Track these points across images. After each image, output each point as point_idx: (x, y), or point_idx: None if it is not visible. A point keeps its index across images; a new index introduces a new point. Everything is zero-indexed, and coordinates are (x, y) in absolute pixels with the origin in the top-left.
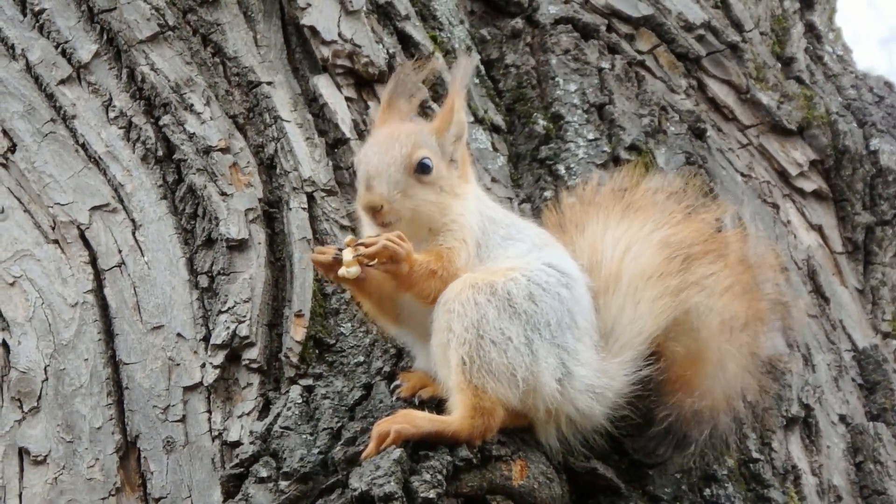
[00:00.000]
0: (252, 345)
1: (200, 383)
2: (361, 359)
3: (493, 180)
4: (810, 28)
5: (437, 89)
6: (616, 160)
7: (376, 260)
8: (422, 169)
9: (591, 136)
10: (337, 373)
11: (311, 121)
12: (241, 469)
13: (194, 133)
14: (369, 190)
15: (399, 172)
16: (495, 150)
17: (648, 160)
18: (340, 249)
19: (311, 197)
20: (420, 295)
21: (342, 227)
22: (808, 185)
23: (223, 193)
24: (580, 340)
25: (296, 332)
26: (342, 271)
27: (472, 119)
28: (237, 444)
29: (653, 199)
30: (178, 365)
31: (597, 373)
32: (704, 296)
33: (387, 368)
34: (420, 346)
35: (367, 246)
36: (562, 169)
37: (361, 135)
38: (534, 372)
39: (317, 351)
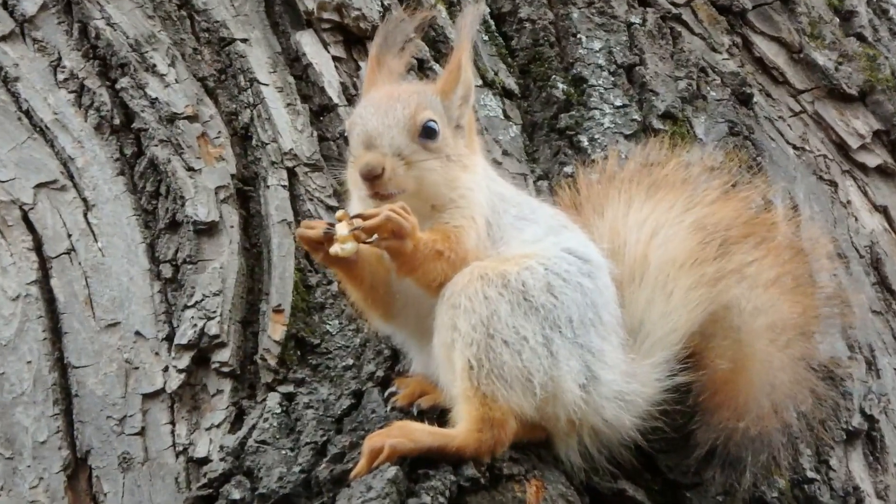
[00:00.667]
0: (223, 345)
1: (162, 390)
2: (351, 362)
3: (505, 153)
4: None
5: (440, 47)
6: (647, 130)
7: (376, 235)
8: (427, 133)
9: (618, 103)
10: (322, 378)
11: (292, 84)
12: (210, 490)
13: (157, 98)
14: (370, 149)
15: (402, 136)
16: (507, 118)
17: (685, 130)
18: (332, 225)
19: (292, 173)
20: (424, 280)
21: (329, 208)
22: (872, 160)
23: (190, 169)
24: (606, 339)
25: (274, 331)
26: (335, 248)
27: (479, 82)
28: (205, 460)
29: (685, 175)
30: (136, 368)
31: (626, 377)
32: (745, 287)
33: (380, 373)
34: (419, 346)
35: (366, 218)
36: (584, 140)
37: (351, 100)
38: (553, 377)
39: (299, 352)
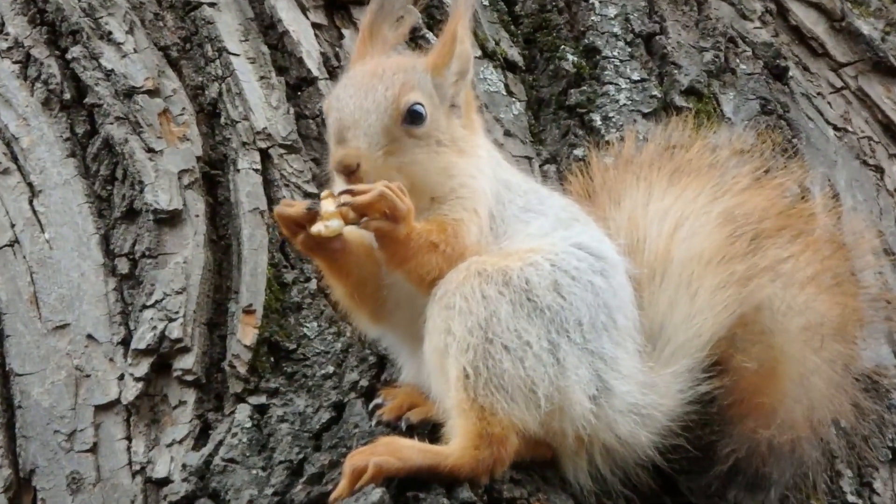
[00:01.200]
0: (186, 350)
1: (117, 401)
2: (331, 370)
3: (507, 134)
4: None
5: (434, 13)
6: (668, 108)
7: (366, 216)
8: (412, 118)
9: (635, 77)
10: (298, 388)
11: (266, 54)
12: None
13: (112, 70)
14: (342, 144)
15: (382, 122)
16: (510, 94)
17: (711, 108)
18: (312, 205)
19: (265, 155)
20: (415, 274)
21: (307, 194)
22: None
23: (150, 150)
24: (620, 345)
25: (244, 334)
26: (317, 227)
27: (479, 53)
28: (165, 481)
29: (712, 160)
30: (87, 376)
31: (642, 388)
32: (780, 286)
33: (364, 382)
34: (410, 352)
35: (356, 194)
36: (597, 119)
37: (333, 73)
38: (560, 387)
39: (272, 359)
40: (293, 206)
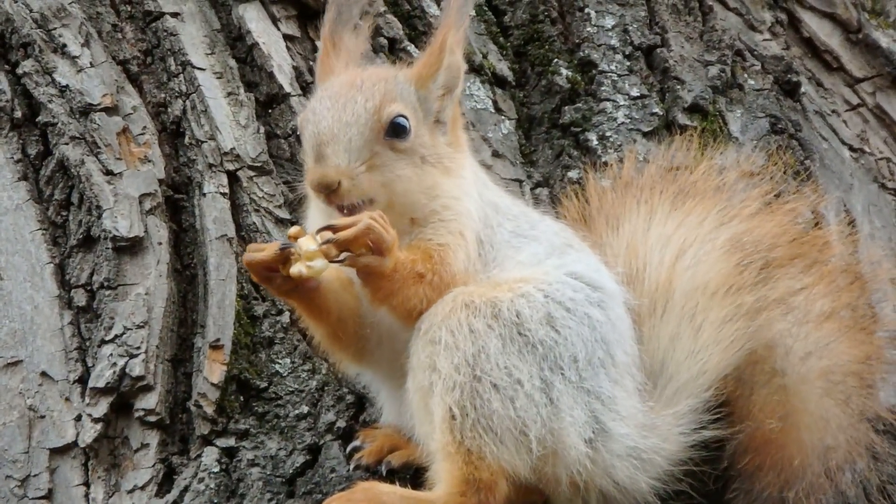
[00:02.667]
0: (149, 389)
1: (74, 443)
2: (305, 410)
3: (496, 154)
4: None
5: (415, 24)
6: (671, 126)
7: (349, 251)
8: (395, 131)
9: (635, 93)
10: (270, 429)
11: (234, 69)
12: None
13: (67, 86)
14: (320, 162)
15: (363, 136)
16: (499, 111)
17: (717, 127)
18: (285, 245)
19: (234, 177)
20: (401, 309)
21: (278, 221)
22: None
23: (108, 172)
24: (618, 383)
25: (211, 371)
26: (297, 268)
27: (465, 68)
28: None
29: (718, 183)
30: (42, 417)
31: (642, 430)
32: (792, 321)
33: (341, 423)
34: (391, 390)
35: (339, 229)
36: (593, 139)
37: (306, 89)
38: (553, 430)
39: (242, 398)
40: (263, 249)
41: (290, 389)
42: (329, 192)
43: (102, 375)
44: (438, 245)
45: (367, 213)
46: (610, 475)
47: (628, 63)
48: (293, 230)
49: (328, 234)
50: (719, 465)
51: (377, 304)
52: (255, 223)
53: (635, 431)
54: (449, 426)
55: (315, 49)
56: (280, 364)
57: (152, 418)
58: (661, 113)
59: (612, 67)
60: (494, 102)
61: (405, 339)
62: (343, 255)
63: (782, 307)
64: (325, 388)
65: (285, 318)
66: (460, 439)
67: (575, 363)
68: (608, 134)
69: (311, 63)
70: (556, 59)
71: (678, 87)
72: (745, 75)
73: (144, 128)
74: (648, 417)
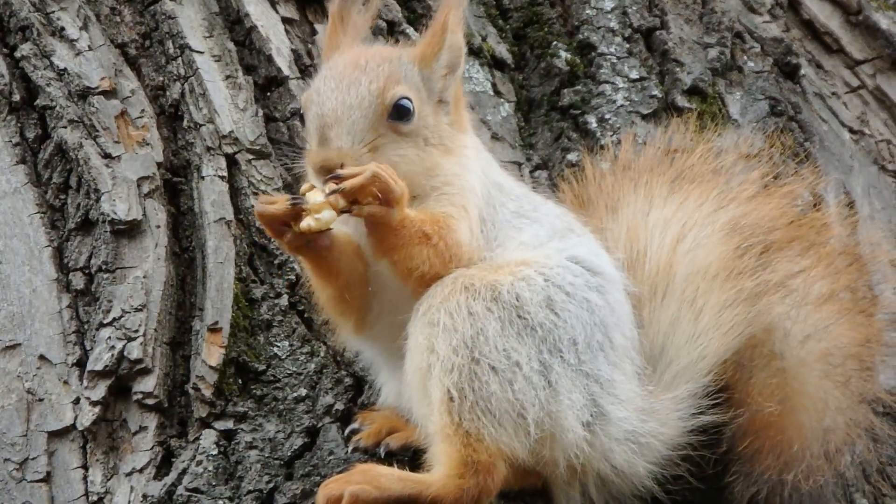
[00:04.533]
0: (147, 372)
1: (73, 427)
2: (304, 392)
3: (495, 137)
4: None
5: (414, 6)
6: (670, 109)
7: (357, 202)
8: (399, 113)
9: (634, 75)
10: (269, 412)
11: (233, 52)
12: None
13: (66, 69)
14: (324, 144)
15: (367, 118)
16: (497, 94)
17: (716, 109)
18: (296, 199)
19: (232, 160)
20: (403, 266)
21: None
22: None
23: (106, 155)
24: (617, 367)
25: (210, 354)
26: (307, 222)
27: (465, 49)
28: None
29: (717, 166)
30: (40, 400)
31: (641, 414)
32: (791, 304)
33: (339, 406)
34: (389, 371)
35: (345, 179)
36: (592, 121)
37: (305, 72)
38: (551, 413)
39: (240, 381)
40: (275, 202)
41: (289, 372)
42: (332, 175)
43: (101, 358)
44: (443, 213)
45: (375, 164)
46: (608, 459)
47: (627, 45)
48: (305, 186)
49: (334, 185)
50: (718, 449)
51: (380, 255)
52: (253, 206)
53: (634, 415)
54: (447, 408)
55: (314, 32)
56: (278, 347)
57: (150, 401)
58: (660, 95)
59: (612, 50)
60: (493, 85)
61: (404, 313)
62: (349, 208)
63: (781, 291)
64: (324, 370)
65: (284, 300)
66: (458, 421)
67: (574, 346)
68: (607, 116)
69: (309, 46)
70: (555, 42)
71: (677, 69)
72: (745, 57)
73: (143, 111)
74: (647, 401)
